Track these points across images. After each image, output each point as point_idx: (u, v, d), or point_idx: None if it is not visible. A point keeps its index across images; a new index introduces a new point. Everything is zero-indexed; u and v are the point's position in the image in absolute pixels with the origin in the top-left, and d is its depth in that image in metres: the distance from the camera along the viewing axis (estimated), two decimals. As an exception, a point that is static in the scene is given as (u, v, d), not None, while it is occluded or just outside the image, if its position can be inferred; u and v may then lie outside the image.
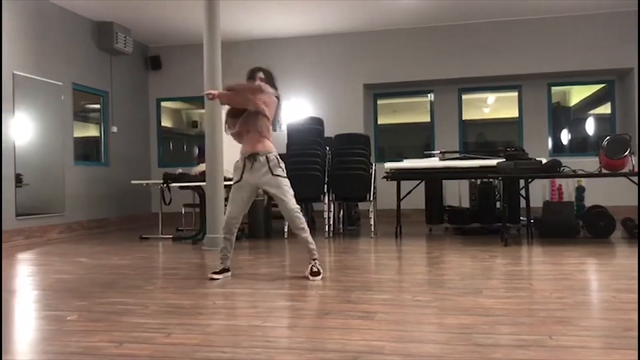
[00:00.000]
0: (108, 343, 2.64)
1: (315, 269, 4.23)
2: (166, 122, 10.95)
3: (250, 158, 4.25)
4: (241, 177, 4.29)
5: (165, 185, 7.35)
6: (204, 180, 6.46)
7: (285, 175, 4.30)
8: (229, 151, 6.85)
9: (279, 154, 8.52)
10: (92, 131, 9.32)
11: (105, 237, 7.87)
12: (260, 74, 4.36)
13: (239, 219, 4.40)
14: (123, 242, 7.26)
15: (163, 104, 10.76)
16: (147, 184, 8.53)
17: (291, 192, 4.28)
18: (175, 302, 3.54)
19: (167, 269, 5.19)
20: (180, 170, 7.62)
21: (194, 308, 3.38)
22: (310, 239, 4.32)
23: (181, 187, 7.37)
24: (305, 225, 4.31)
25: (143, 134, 10.43)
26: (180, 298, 3.67)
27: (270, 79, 4.38)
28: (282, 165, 4.31)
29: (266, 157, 4.24)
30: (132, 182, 8.31)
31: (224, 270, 4.40)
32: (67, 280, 4.44)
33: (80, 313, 3.27)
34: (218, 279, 4.30)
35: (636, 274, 4.31)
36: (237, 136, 4.37)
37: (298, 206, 4.30)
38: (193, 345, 2.60)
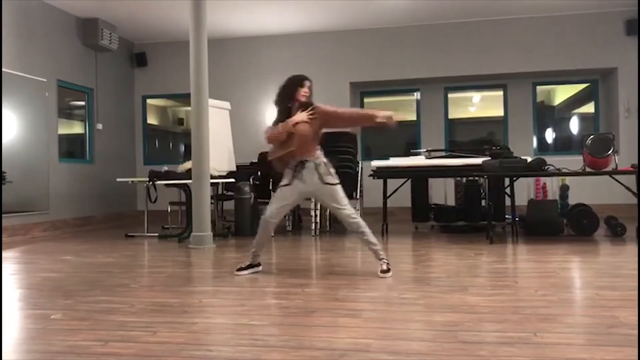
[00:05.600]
0: (93, 342, 2.63)
1: (384, 267, 4.20)
2: (152, 120, 10.87)
3: (300, 164, 4.24)
4: (291, 181, 4.26)
5: (150, 183, 7.31)
6: (190, 178, 6.43)
7: (337, 181, 4.27)
8: (215, 149, 6.85)
9: (264, 152, 8.54)
10: (77, 128, 9.24)
11: (91, 235, 7.81)
12: (308, 83, 4.33)
13: (278, 220, 4.39)
14: (108, 240, 7.20)
15: (149, 101, 10.69)
16: (132, 181, 8.46)
17: (345, 199, 4.26)
18: (161, 301, 3.52)
19: (153, 267, 5.16)
20: (166, 168, 7.57)
21: (180, 306, 3.36)
22: (372, 239, 4.26)
23: (167, 185, 7.33)
24: (365, 228, 4.25)
25: (128, 131, 10.36)
26: (166, 296, 3.65)
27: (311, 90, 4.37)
28: (333, 170, 4.29)
29: (314, 163, 4.23)
30: (118, 179, 8.24)
31: (251, 265, 4.42)
32: (52, 279, 4.40)
33: (65, 312, 3.24)
34: (243, 274, 4.33)
35: (619, 272, 4.37)
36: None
37: (353, 210, 4.27)
38: (179, 343, 2.59)
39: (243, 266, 4.45)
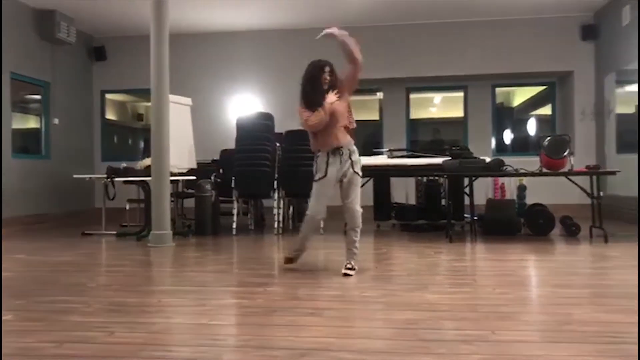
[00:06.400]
0: (47, 343, 2.55)
1: (349, 266, 4.22)
2: (110, 115, 10.65)
3: (334, 152, 4.24)
4: (326, 172, 4.24)
5: (109, 179, 7.16)
6: (150, 175, 6.33)
7: (361, 174, 4.30)
8: (175, 146, 6.75)
9: (226, 149, 8.43)
10: (32, 123, 8.97)
11: (46, 233, 7.60)
12: (328, 68, 4.30)
13: (324, 215, 4.35)
14: (64, 238, 7.03)
15: (108, 96, 10.47)
16: (90, 178, 8.28)
17: (359, 194, 4.30)
18: (119, 300, 3.45)
19: (110, 266, 5.05)
20: (124, 165, 7.43)
21: (139, 306, 3.30)
22: (357, 243, 4.28)
23: (125, 182, 7.19)
24: (360, 229, 4.29)
25: (86, 126, 10.12)
26: (124, 296, 3.58)
27: (335, 72, 4.33)
28: (361, 162, 4.32)
29: (349, 150, 4.26)
30: (75, 176, 8.04)
31: (292, 260, 4.46)
32: (4, 278, 4.26)
33: (17, 312, 3.14)
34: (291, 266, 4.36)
35: (573, 270, 4.49)
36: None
37: (360, 209, 4.29)
38: (137, 344, 2.54)
39: (290, 256, 4.47)
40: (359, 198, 4.29)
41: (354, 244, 4.27)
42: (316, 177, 4.29)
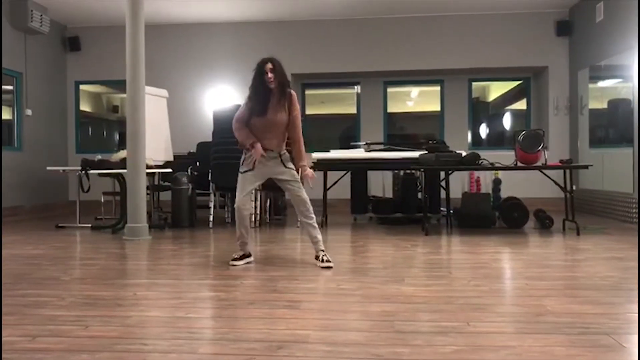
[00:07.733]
0: (20, 337, 2.52)
1: (325, 259, 4.28)
2: (85, 107, 10.50)
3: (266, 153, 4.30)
4: (254, 166, 4.29)
5: (83, 172, 7.06)
6: (125, 168, 6.26)
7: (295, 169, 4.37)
8: (151, 138, 6.69)
9: (203, 142, 8.39)
10: (4, 114, 8.79)
11: (18, 226, 7.47)
12: (270, 65, 4.17)
13: (248, 205, 4.40)
14: (38, 231, 6.92)
15: (82, 87, 10.32)
16: (64, 170, 8.16)
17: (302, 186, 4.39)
18: (93, 294, 3.41)
19: (85, 259, 4.99)
20: (99, 157, 7.33)
21: (114, 299, 3.27)
22: (317, 231, 4.35)
23: (100, 174, 7.10)
24: (314, 217, 4.34)
25: (60, 118, 9.96)
26: (98, 289, 3.54)
27: (280, 68, 4.21)
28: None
29: (278, 152, 4.34)
30: (48, 168, 7.92)
31: (245, 256, 4.43)
32: (-25, 272, 4.19)
33: (-11, 306, 3.09)
34: (238, 265, 4.34)
35: (547, 262, 4.56)
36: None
37: (308, 197, 4.35)
38: (112, 337, 2.52)
39: (237, 256, 4.42)
40: (302, 187, 4.37)
41: (312, 235, 4.37)
42: (241, 169, 4.37)
